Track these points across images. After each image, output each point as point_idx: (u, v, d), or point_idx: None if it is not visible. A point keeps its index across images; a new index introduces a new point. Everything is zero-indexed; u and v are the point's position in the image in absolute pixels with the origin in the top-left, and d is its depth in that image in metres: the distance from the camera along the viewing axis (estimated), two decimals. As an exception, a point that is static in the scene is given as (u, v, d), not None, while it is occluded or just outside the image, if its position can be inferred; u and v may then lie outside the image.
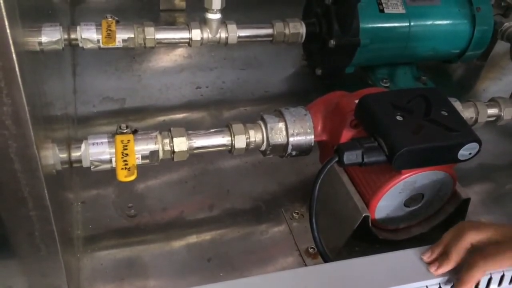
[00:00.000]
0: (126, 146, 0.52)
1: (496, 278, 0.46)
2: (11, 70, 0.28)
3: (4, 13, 0.26)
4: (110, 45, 0.65)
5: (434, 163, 0.53)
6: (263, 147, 0.60)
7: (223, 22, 0.77)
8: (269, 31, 0.81)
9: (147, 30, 0.73)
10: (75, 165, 0.54)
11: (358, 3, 0.77)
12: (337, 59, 0.83)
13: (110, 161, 0.54)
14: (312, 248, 0.58)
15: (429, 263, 0.47)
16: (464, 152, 0.52)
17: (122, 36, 0.72)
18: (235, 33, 0.78)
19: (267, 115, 0.61)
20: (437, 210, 0.59)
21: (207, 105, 0.83)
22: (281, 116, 0.61)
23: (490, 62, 1.02)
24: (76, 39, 0.71)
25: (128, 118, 0.77)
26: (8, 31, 0.27)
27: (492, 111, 0.71)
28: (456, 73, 1.00)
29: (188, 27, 0.76)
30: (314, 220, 0.53)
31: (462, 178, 0.58)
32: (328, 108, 0.62)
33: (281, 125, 0.60)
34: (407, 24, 0.84)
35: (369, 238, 0.57)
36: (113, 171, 0.52)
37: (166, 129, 0.58)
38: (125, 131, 0.54)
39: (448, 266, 0.46)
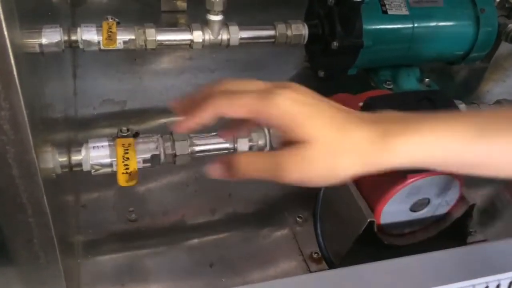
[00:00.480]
0: (127, 149, 0.51)
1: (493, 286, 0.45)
2: (9, 73, 0.27)
3: (1, 15, 0.26)
4: (111, 47, 0.64)
5: (440, 167, 0.52)
6: (267, 149, 0.59)
7: (225, 24, 0.76)
8: (271, 32, 0.80)
9: (148, 31, 0.73)
10: (75, 169, 0.53)
11: (362, 5, 0.76)
12: (339, 61, 0.82)
13: (111, 165, 0.53)
14: (316, 253, 0.57)
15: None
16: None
17: (123, 37, 0.71)
18: (237, 34, 0.77)
19: (270, 118, 0.60)
20: (443, 215, 0.58)
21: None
22: (284, 119, 0.60)
23: (494, 64, 1.01)
24: (77, 41, 0.70)
25: (129, 120, 0.76)
26: (5, 33, 0.26)
27: (497, 113, 0.70)
28: (460, 75, 0.99)
29: (189, 28, 0.75)
30: (318, 225, 0.52)
31: (469, 182, 0.57)
32: (331, 111, 0.61)
33: (284, 128, 0.59)
34: (410, 25, 0.83)
35: (374, 243, 0.56)
36: (113, 175, 0.51)
37: (168, 132, 0.57)
38: (126, 134, 0.53)
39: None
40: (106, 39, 0.65)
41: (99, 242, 0.59)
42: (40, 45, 0.66)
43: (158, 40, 0.74)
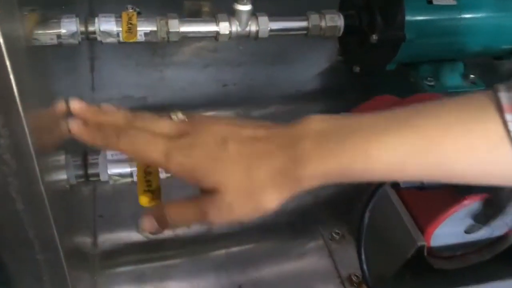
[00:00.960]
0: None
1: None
2: (8, 94, 0.22)
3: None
4: (131, 41, 0.59)
5: (503, 186, 0.45)
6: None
7: (254, 14, 0.70)
8: (303, 23, 0.73)
9: (171, 22, 0.67)
10: (92, 179, 0.48)
11: (406, -6, 0.69)
12: (378, 55, 0.75)
13: (131, 174, 0.48)
14: (356, 276, 0.52)
15: None
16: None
17: (143, 29, 0.65)
18: (266, 26, 0.70)
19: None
20: (500, 237, 0.52)
21: (234, 104, 0.76)
22: (321, 125, 0.53)
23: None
24: (94, 32, 0.65)
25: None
26: None
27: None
28: (508, 70, 0.91)
29: (215, 19, 0.69)
30: (362, 247, 0.46)
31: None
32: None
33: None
34: (458, 16, 0.75)
35: (421, 266, 0.50)
36: (133, 184, 0.46)
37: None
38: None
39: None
40: (126, 32, 0.60)
41: (116, 254, 0.55)
42: (59, 35, 0.61)
43: (181, 32, 0.68)
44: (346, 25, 0.73)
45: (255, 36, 0.71)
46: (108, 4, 0.67)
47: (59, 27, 0.62)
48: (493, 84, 0.32)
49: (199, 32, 0.70)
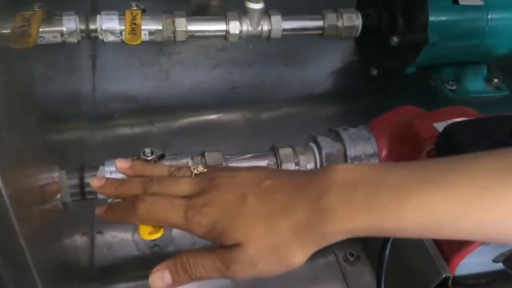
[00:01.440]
0: (151, 180, 0.42)
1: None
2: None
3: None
4: (134, 43, 0.55)
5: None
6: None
7: (266, 13, 0.65)
8: (319, 23, 0.68)
9: (177, 21, 0.62)
10: (89, 197, 0.44)
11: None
12: (398, 58, 0.70)
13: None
14: (373, 304, 0.48)
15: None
16: None
17: (148, 28, 0.61)
18: (279, 25, 0.66)
19: (321, 138, 0.50)
20: (530, 266, 0.48)
21: (243, 107, 0.72)
22: (338, 139, 0.49)
23: None
24: (96, 30, 0.61)
25: (153, 122, 0.67)
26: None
27: None
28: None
29: (225, 17, 0.64)
30: (383, 275, 0.42)
31: None
32: (396, 129, 0.51)
33: (339, 150, 0.49)
34: (485, 17, 0.70)
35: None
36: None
37: (199, 150, 0.48)
38: (150, 158, 0.44)
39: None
40: (129, 33, 0.55)
41: (116, 274, 0.51)
42: (62, 33, 0.57)
43: (189, 31, 0.63)
44: (364, 25, 0.69)
45: (267, 36, 0.66)
46: (112, 0, 0.63)
47: (61, 25, 0.59)
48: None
49: (207, 31, 0.65)
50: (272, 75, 0.76)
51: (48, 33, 0.58)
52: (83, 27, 0.60)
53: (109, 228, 0.53)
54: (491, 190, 0.28)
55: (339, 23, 0.68)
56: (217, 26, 0.65)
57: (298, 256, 0.31)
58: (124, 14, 0.60)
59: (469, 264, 0.45)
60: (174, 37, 0.63)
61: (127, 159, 0.40)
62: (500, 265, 0.47)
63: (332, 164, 0.33)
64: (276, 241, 0.30)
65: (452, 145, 0.43)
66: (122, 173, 0.39)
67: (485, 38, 0.71)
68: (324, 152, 0.48)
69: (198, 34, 0.65)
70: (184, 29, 0.63)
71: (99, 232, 0.53)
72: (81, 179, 0.43)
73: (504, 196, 0.27)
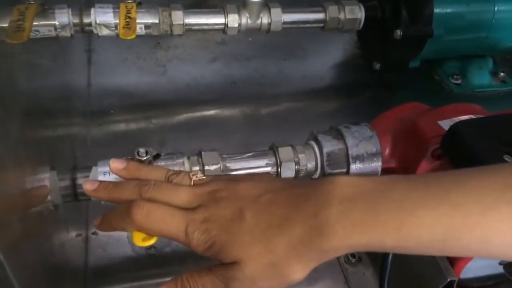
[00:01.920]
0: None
1: None
2: None
3: None
4: (129, 38, 0.53)
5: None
6: (316, 175, 0.48)
7: (266, 5, 0.63)
8: (320, 16, 0.66)
9: (174, 14, 0.60)
10: (82, 198, 0.43)
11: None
12: (402, 52, 0.68)
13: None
14: (375, 308, 0.47)
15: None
16: None
17: (144, 21, 0.59)
18: (279, 18, 0.64)
19: (322, 136, 0.48)
20: (538, 269, 0.46)
21: (242, 102, 0.71)
22: (339, 138, 0.48)
23: None
24: (90, 24, 0.59)
25: (149, 118, 0.65)
26: None
27: None
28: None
29: (223, 10, 0.62)
30: (386, 278, 0.41)
31: None
32: (399, 127, 0.49)
33: (340, 149, 0.47)
34: (491, 9, 0.68)
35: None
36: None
37: (195, 149, 0.46)
38: (144, 158, 0.42)
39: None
40: (123, 27, 0.54)
41: (110, 276, 0.50)
42: (55, 27, 0.55)
43: (186, 24, 0.62)
44: (366, 18, 0.67)
45: (267, 29, 0.65)
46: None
47: (54, 19, 0.57)
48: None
49: (205, 24, 0.63)
50: (272, 69, 0.74)
51: (43, 26, 0.57)
52: (76, 20, 0.58)
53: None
54: (496, 208, 0.26)
55: (341, 16, 0.66)
56: (215, 19, 0.63)
57: (298, 272, 0.30)
58: (119, 7, 0.59)
59: (475, 267, 0.43)
60: (171, 30, 0.61)
61: (122, 159, 0.38)
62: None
63: (333, 176, 0.32)
64: (275, 258, 0.30)
65: (458, 145, 0.41)
66: (117, 174, 0.38)
67: (492, 31, 0.69)
68: (325, 151, 0.47)
69: (196, 27, 0.63)
70: (181, 23, 0.61)
71: (94, 233, 0.52)
72: (73, 180, 0.42)
73: (510, 215, 0.26)
